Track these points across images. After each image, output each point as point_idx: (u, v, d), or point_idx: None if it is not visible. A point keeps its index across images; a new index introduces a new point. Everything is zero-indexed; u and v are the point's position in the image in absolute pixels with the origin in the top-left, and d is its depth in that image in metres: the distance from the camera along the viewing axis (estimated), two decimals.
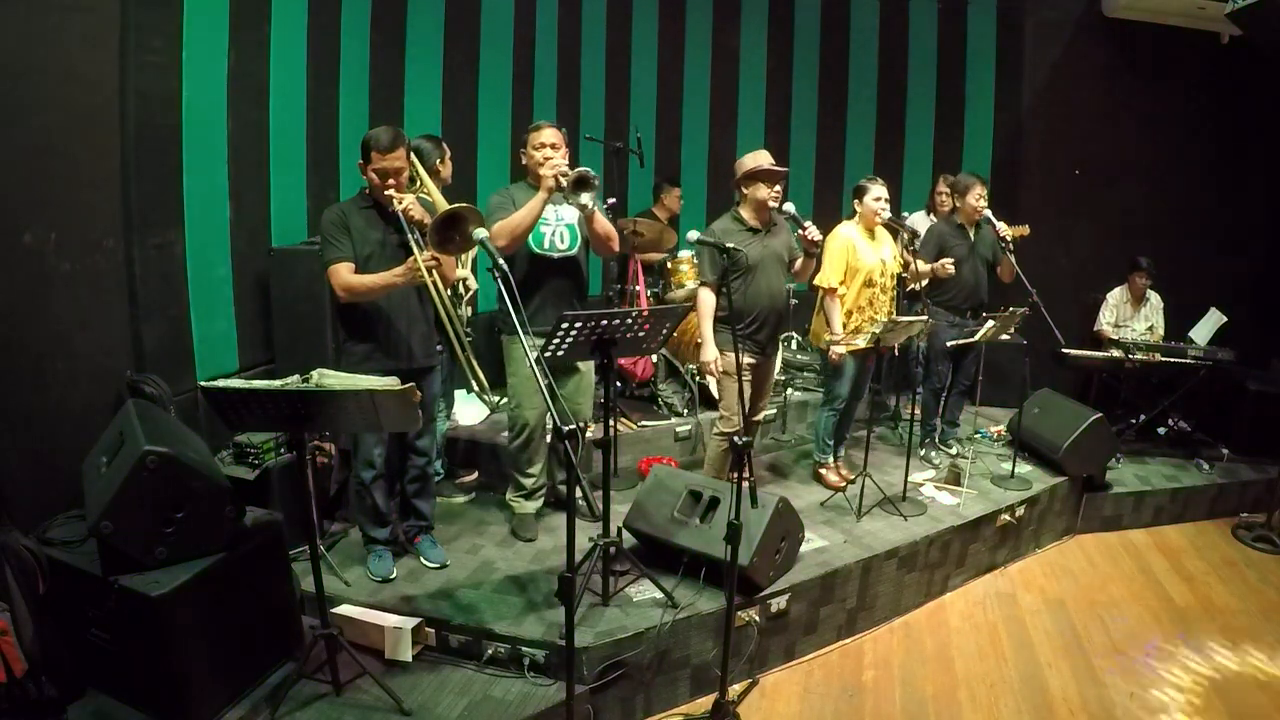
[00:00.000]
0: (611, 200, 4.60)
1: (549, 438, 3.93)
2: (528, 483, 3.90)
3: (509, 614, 3.23)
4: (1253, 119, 6.22)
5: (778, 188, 3.91)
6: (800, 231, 3.87)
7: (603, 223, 3.61)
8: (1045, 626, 4.01)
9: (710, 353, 3.87)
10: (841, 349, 4.31)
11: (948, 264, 4.72)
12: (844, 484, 4.56)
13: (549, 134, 3.57)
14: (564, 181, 3.37)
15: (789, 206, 3.92)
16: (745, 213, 3.97)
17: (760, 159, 3.92)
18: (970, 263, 4.87)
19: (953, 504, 4.45)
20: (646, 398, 5.22)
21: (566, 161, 3.52)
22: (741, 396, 3.36)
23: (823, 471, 4.73)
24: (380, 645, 3.07)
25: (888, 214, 4.46)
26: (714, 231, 3.84)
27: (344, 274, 3.15)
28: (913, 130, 6.87)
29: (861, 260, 4.37)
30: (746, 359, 3.85)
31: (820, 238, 3.91)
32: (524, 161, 3.66)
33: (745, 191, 3.95)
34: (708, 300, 3.89)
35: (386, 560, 3.49)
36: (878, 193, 4.41)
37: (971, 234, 4.89)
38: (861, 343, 4.29)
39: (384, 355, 3.27)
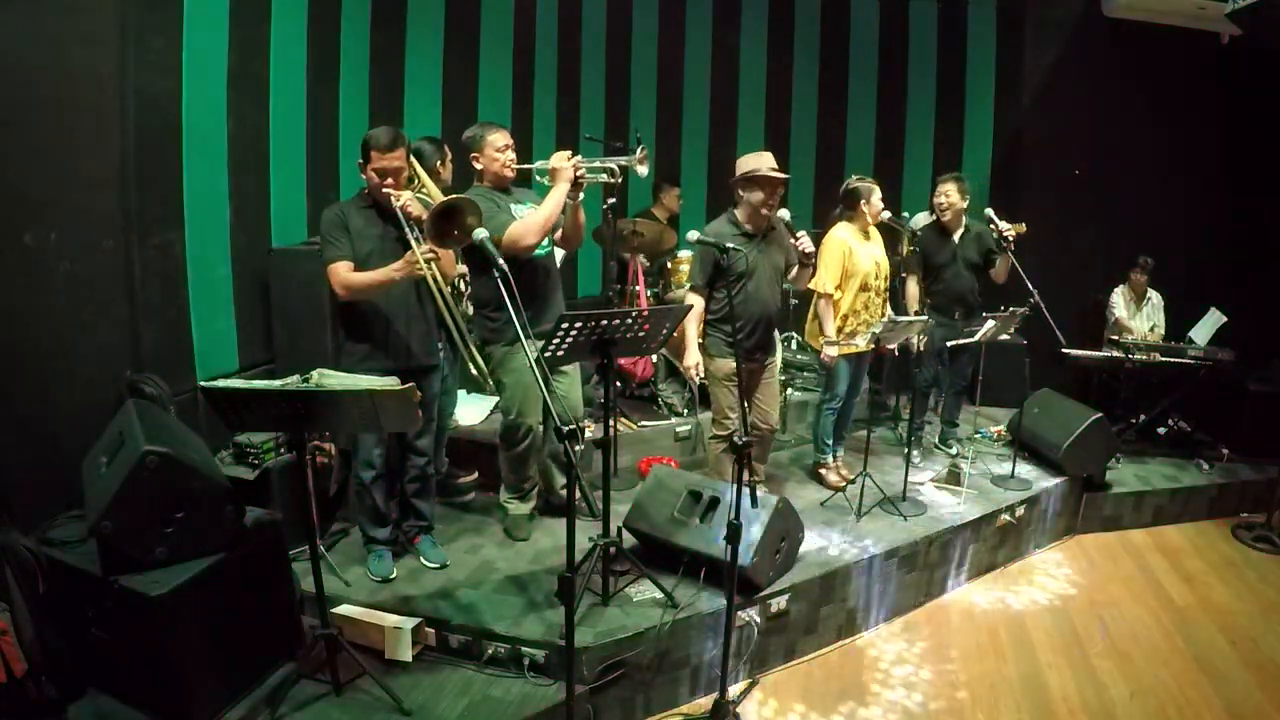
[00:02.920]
0: (611, 200, 4.59)
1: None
2: (525, 485, 3.89)
3: (509, 614, 3.23)
4: (1253, 119, 6.21)
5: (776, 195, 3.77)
6: (793, 241, 3.79)
7: (581, 215, 3.67)
8: (1045, 626, 4.01)
9: (691, 357, 3.84)
10: (833, 352, 4.30)
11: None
12: (844, 484, 4.56)
13: (506, 135, 3.58)
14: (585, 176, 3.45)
15: (783, 213, 3.79)
16: (741, 215, 3.84)
17: (760, 161, 3.74)
18: (953, 267, 4.87)
19: (953, 504, 4.45)
20: (646, 398, 5.22)
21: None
22: (741, 401, 3.36)
23: (823, 471, 4.73)
24: (380, 645, 3.07)
25: (888, 214, 4.46)
26: (709, 234, 3.69)
27: (343, 273, 3.16)
28: (913, 130, 6.87)
29: (858, 264, 4.35)
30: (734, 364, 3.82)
31: (813, 249, 3.79)
32: (479, 165, 3.57)
33: (741, 195, 3.80)
34: (695, 305, 3.82)
35: (386, 560, 3.49)
36: (879, 194, 4.39)
37: (956, 237, 4.88)
38: (860, 343, 4.28)
39: (384, 355, 3.27)
